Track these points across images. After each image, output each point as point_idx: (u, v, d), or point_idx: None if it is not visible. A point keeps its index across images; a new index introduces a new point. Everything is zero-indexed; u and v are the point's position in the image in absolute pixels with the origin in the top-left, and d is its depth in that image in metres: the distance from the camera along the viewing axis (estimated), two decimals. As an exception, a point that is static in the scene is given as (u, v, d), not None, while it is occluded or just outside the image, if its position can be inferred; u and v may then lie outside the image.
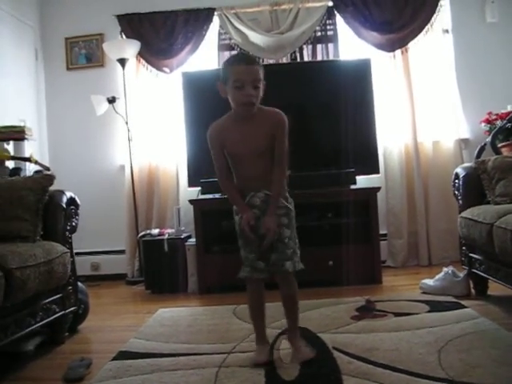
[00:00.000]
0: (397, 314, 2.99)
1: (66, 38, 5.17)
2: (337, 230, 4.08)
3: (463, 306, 3.06)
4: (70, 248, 3.05)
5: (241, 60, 2.22)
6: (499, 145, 4.15)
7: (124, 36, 5.03)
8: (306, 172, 4.17)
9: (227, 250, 4.08)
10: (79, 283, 3.20)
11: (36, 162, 3.78)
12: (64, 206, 3.05)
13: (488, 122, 4.56)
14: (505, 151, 4.15)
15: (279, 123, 2.27)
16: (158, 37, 4.95)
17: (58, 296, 2.87)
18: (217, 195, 4.27)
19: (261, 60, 4.91)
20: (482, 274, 3.23)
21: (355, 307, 3.21)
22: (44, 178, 3.07)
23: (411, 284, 3.89)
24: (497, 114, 4.52)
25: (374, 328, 2.77)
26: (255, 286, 2.36)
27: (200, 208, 4.18)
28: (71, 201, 3.13)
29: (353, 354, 2.36)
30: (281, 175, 2.29)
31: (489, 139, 3.96)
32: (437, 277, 3.55)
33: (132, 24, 4.99)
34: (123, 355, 2.57)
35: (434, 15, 4.81)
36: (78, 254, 3.25)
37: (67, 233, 3.06)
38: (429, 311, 3.03)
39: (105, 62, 5.13)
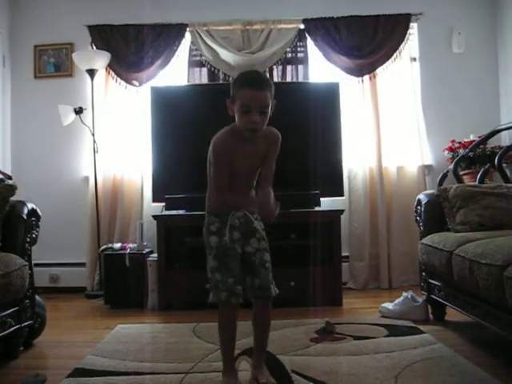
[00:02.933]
0: (356, 338, 3.01)
1: (35, 46, 5.11)
2: (300, 251, 4.10)
3: (421, 332, 3.09)
4: (29, 261, 2.98)
5: (250, 83, 2.07)
6: (461, 173, 4.25)
7: (94, 47, 5.00)
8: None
9: (189, 267, 4.07)
10: (37, 296, 3.13)
11: (-3, 171, 3.71)
12: (25, 217, 2.98)
13: (451, 149, 4.67)
14: (466, 179, 4.25)
15: (276, 142, 2.28)
16: (129, 49, 4.93)
17: (14, 309, 2.79)
18: (181, 212, 4.25)
19: (231, 78, 4.94)
20: (441, 300, 3.29)
21: (315, 329, 3.21)
22: (5, 187, 3.00)
23: (371, 307, 3.93)
24: (460, 143, 4.63)
25: (332, 351, 2.78)
26: (231, 311, 2.19)
27: (163, 224, 4.15)
28: (32, 212, 3.07)
29: (311, 378, 2.36)
30: (270, 190, 2.20)
31: (451, 167, 4.04)
32: (396, 301, 3.59)
33: (103, 35, 4.96)
34: (79, 372, 2.52)
35: (403, 43, 4.92)
36: (36, 265, 3.19)
37: (27, 245, 2.99)
38: (387, 335, 3.06)
39: (73, 71, 5.07)
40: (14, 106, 5.12)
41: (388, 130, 4.95)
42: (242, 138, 2.16)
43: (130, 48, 4.93)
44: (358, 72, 4.92)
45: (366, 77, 4.92)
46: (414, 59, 5.06)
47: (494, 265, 2.30)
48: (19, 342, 2.89)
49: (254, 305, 2.27)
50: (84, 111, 4.81)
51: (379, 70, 4.94)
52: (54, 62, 5.12)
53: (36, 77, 5.13)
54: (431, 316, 3.47)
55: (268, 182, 2.25)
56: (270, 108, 2.10)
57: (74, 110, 4.77)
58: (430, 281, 3.43)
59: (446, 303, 3.23)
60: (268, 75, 5.02)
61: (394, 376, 2.35)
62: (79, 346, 3.09)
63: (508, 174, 3.84)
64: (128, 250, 4.30)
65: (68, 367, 2.59)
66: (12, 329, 2.76)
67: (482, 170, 3.86)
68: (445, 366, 2.47)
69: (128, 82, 4.95)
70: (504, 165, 3.89)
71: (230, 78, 4.95)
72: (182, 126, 4.45)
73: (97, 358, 2.76)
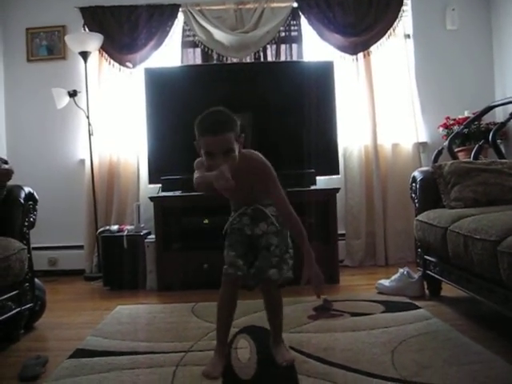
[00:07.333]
0: (353, 314, 3.04)
1: (27, 29, 5.08)
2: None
3: (417, 307, 3.14)
4: (28, 244, 3.00)
5: (208, 131, 2.03)
6: (456, 149, 4.26)
7: (87, 29, 4.97)
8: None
9: (187, 248, 4.10)
10: (36, 279, 3.15)
11: (-7, 155, 3.71)
12: (22, 201, 3.00)
13: (446, 126, 4.68)
14: (461, 156, 4.27)
15: (260, 171, 2.22)
16: (122, 31, 4.90)
17: (14, 293, 2.82)
18: (177, 193, 4.26)
19: (225, 59, 4.92)
20: (436, 276, 3.32)
21: (312, 306, 3.24)
22: (2, 172, 3.00)
23: (368, 284, 3.96)
24: (454, 119, 4.65)
25: (330, 328, 2.81)
26: (230, 286, 2.24)
27: (160, 205, 4.16)
28: (29, 196, 3.08)
29: (309, 354, 2.40)
30: (296, 223, 2.21)
31: (446, 143, 4.05)
32: (392, 277, 3.63)
33: (95, 17, 4.94)
34: (80, 353, 2.55)
35: (397, 20, 4.90)
36: (35, 248, 3.19)
37: (25, 229, 3.01)
38: (384, 311, 3.09)
39: (66, 54, 5.05)
40: (7, 90, 5.11)
41: (383, 107, 4.95)
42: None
43: (123, 29, 4.90)
44: (352, 50, 4.90)
45: (360, 55, 4.92)
46: (408, 36, 5.05)
47: (488, 240, 2.33)
48: (20, 324, 2.92)
49: (260, 287, 2.32)
50: (78, 94, 4.81)
51: (373, 48, 4.93)
52: (47, 45, 5.09)
53: (29, 60, 5.10)
54: (427, 292, 3.51)
55: (284, 212, 2.23)
56: (234, 147, 2.06)
57: (68, 92, 4.77)
58: (426, 257, 3.46)
59: (441, 279, 3.26)
60: (262, 55, 5.01)
61: (390, 351, 2.39)
62: (79, 327, 3.12)
63: (502, 150, 3.87)
64: (125, 232, 4.33)
65: (69, 348, 2.62)
66: (12, 312, 2.79)
67: (477, 146, 3.88)
68: (440, 340, 2.51)
69: (121, 63, 4.93)
70: (498, 141, 3.93)
71: (224, 59, 4.94)
72: (177, 106, 4.44)
73: (97, 338, 2.79)
